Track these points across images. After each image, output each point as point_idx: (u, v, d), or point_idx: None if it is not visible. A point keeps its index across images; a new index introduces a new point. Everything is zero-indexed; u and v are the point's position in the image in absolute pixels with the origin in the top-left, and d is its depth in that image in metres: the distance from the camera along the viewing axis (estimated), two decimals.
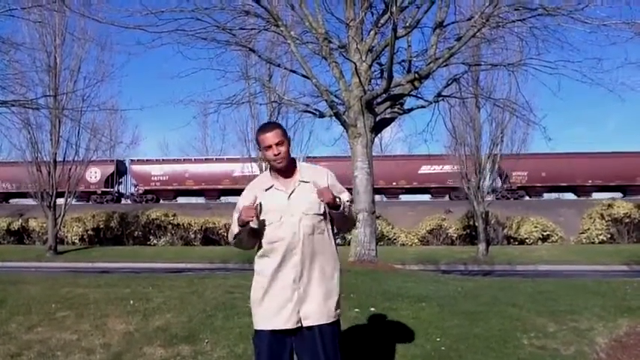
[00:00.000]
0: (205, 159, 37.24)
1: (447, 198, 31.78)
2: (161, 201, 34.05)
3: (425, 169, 32.07)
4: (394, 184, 32.72)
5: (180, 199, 35.59)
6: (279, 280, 3.11)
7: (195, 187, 34.67)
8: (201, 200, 35.09)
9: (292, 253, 3.09)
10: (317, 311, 3.09)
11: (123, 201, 35.62)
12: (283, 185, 3.18)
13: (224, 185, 34.07)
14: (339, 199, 3.10)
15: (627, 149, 31.62)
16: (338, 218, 3.19)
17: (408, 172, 31.91)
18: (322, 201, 3.04)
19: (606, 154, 32.52)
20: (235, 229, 3.16)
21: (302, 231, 3.10)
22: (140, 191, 34.45)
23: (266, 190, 3.19)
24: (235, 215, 3.19)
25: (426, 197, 33.56)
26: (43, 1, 11.43)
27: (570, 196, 33.68)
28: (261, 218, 3.11)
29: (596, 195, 32.85)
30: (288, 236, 3.09)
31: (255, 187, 3.26)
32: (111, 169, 33.49)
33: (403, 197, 33.83)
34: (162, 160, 36.94)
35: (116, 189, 35.31)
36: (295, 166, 3.24)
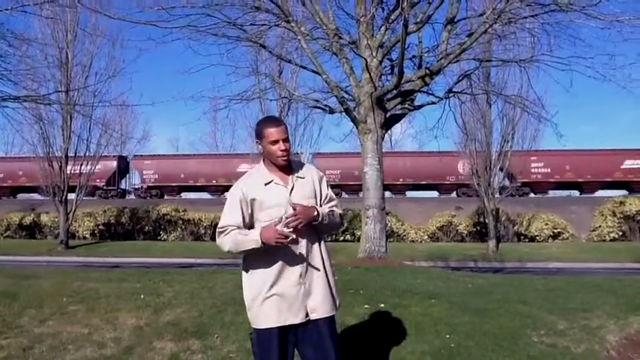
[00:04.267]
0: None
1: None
2: (2, 198, 34.42)
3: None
4: None
5: (20, 196, 35.80)
6: (286, 276, 3.07)
7: (28, 184, 34.24)
8: (37, 197, 34.88)
9: (298, 248, 3.06)
10: (322, 304, 3.12)
11: None
12: (282, 180, 3.15)
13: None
14: (318, 213, 3.06)
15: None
16: (319, 228, 3.14)
17: None
18: (295, 221, 2.95)
19: (419, 153, 34.14)
20: (247, 245, 3.01)
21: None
22: None
23: (265, 184, 3.13)
24: (229, 218, 3.09)
25: (435, 194, 33.79)
26: None
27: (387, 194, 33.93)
28: (262, 213, 3.08)
29: (409, 194, 34.20)
30: (294, 232, 3.00)
31: (252, 182, 3.15)
32: None
33: (411, 193, 34.54)
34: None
35: None
36: (290, 163, 3.21)
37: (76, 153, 22.12)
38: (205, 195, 35.45)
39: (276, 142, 3.09)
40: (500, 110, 20.07)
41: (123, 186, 36.77)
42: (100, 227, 26.41)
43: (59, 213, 22.34)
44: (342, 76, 11.27)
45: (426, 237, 25.27)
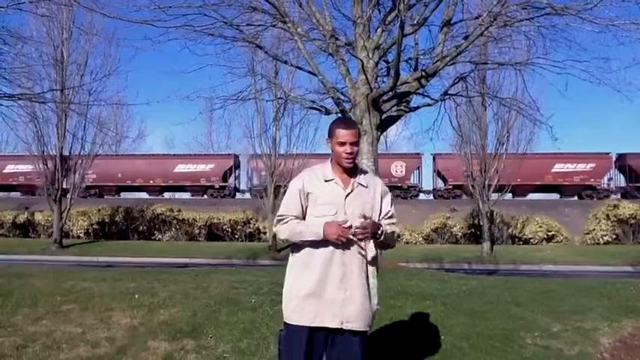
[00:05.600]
0: None
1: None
2: None
3: None
4: None
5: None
6: (329, 277, 3.07)
7: None
8: None
9: (341, 251, 3.07)
10: (358, 315, 3.10)
11: None
12: (343, 182, 3.18)
13: None
14: (380, 232, 3.12)
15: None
16: (377, 243, 3.21)
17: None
18: (362, 234, 3.05)
19: None
20: (307, 236, 3.08)
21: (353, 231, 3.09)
22: None
23: (326, 180, 3.18)
24: (287, 208, 3.17)
25: (430, 196, 33.70)
26: None
27: None
28: (315, 208, 3.13)
29: None
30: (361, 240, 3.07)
31: (313, 176, 3.21)
32: None
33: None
34: None
35: None
36: (356, 168, 3.25)
37: (70, 152, 22.02)
38: (143, 195, 34.93)
39: (343, 143, 3.14)
40: (496, 113, 20.13)
41: (63, 185, 36.20)
42: (94, 226, 26.32)
43: (53, 212, 22.24)
44: (338, 78, 11.28)
45: (420, 239, 25.30)
